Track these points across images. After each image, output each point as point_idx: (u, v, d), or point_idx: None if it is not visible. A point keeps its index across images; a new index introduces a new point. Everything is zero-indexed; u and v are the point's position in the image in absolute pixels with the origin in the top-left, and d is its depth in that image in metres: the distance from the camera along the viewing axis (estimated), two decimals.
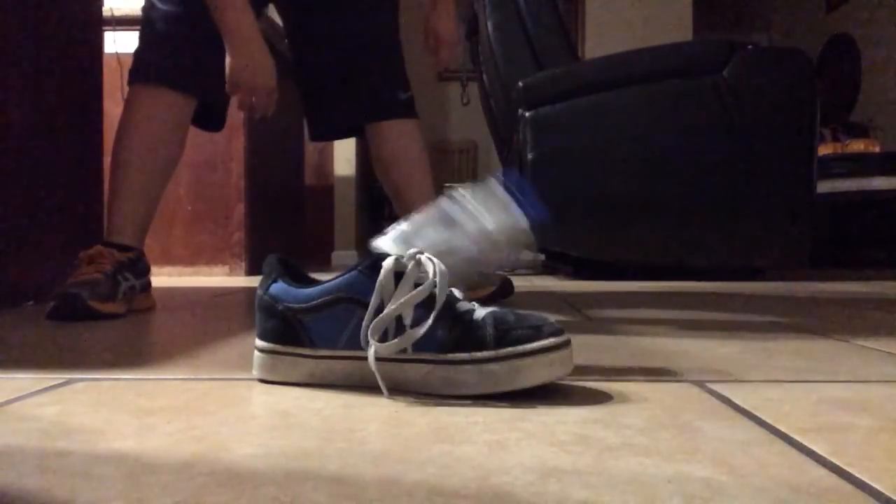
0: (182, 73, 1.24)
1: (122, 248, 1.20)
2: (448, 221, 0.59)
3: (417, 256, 0.55)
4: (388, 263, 0.54)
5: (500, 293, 1.33)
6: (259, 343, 0.60)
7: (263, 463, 0.37)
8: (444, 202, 0.60)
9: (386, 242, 0.61)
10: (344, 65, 1.37)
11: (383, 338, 0.53)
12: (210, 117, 1.36)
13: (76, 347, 0.80)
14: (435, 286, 0.53)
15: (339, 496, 0.32)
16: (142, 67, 1.24)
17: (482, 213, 0.59)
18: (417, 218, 0.61)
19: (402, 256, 0.55)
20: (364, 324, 0.54)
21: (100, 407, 0.51)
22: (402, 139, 1.44)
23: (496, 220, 0.59)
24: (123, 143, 1.24)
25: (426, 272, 0.54)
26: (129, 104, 1.25)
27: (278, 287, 0.59)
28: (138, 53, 1.26)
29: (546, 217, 0.57)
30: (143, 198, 1.24)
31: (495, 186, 0.60)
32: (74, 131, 1.53)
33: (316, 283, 0.59)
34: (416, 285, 0.53)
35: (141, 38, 1.26)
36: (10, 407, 0.51)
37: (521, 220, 0.59)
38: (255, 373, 0.61)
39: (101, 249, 1.18)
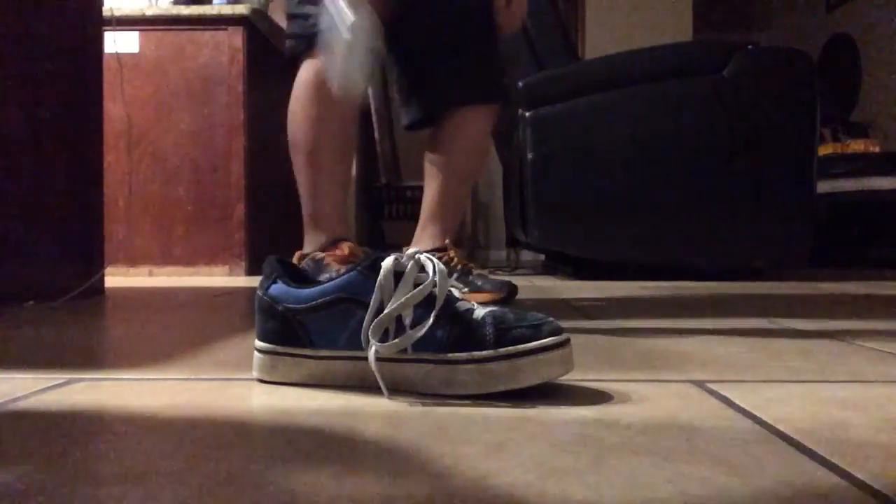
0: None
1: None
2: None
3: (417, 256, 0.55)
4: (387, 263, 0.54)
5: (508, 299, 1.31)
6: (259, 344, 0.60)
7: (263, 463, 0.37)
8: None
9: None
10: (449, 42, 1.27)
11: (384, 338, 0.53)
12: None
13: (76, 347, 0.80)
14: (435, 286, 0.53)
15: (339, 496, 0.32)
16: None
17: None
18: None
19: (402, 256, 0.55)
20: (364, 324, 0.54)
21: (100, 407, 0.51)
22: (480, 128, 1.34)
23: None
24: (316, 133, 1.09)
25: (426, 272, 0.54)
26: (311, 84, 1.08)
27: (278, 288, 0.59)
28: (306, 23, 1.09)
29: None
30: (348, 183, 1.15)
31: None
32: (74, 131, 1.53)
33: (315, 283, 0.59)
34: (416, 285, 0.53)
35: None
36: (11, 407, 0.51)
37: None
38: (255, 374, 0.60)
39: (354, 248, 1.07)
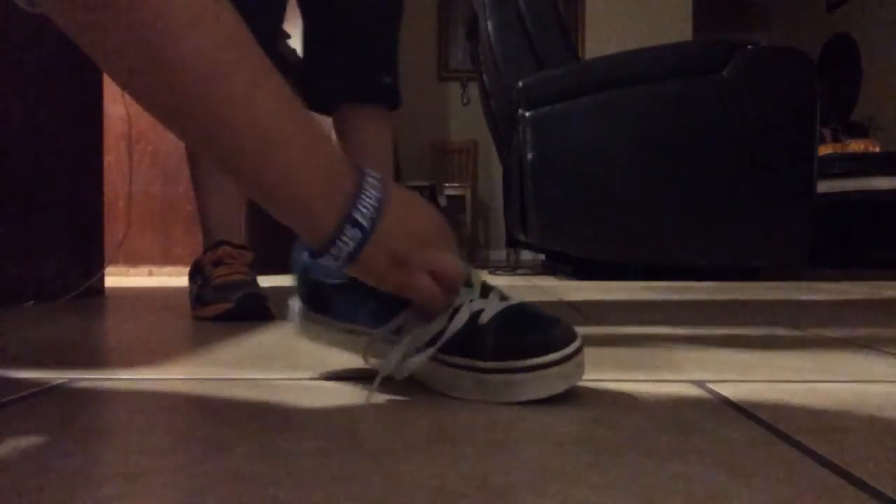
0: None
1: (239, 247, 1.18)
2: None
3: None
4: None
5: None
6: (296, 303, 0.62)
7: (263, 463, 0.37)
8: None
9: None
10: (341, 33, 1.28)
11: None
12: None
13: (76, 347, 0.80)
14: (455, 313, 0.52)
15: (339, 496, 0.32)
16: None
17: None
18: None
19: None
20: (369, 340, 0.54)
21: (100, 407, 0.51)
22: (371, 128, 1.32)
23: None
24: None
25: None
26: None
27: (311, 260, 0.60)
28: None
29: None
30: (242, 192, 1.18)
31: None
32: (74, 131, 1.53)
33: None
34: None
35: None
36: (10, 407, 0.51)
37: None
38: (293, 328, 0.62)
39: (229, 250, 1.14)
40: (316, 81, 1.31)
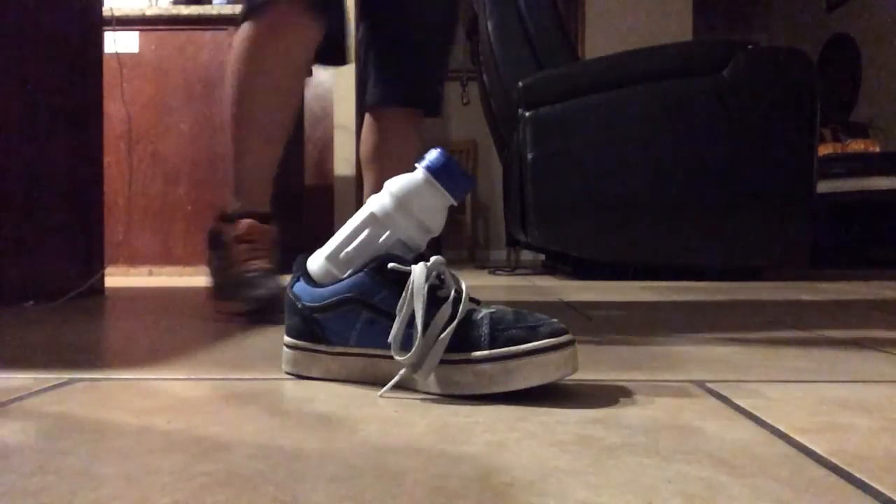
0: None
1: (263, 218, 1.10)
2: (377, 224, 0.59)
3: (438, 269, 0.55)
4: (420, 279, 0.53)
5: None
6: (286, 339, 0.63)
7: (263, 463, 0.37)
8: (371, 207, 0.60)
9: (317, 260, 0.61)
10: (408, 42, 1.28)
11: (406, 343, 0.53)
12: (329, 49, 1.18)
13: (76, 347, 0.80)
14: (459, 303, 0.53)
15: (339, 496, 0.32)
16: None
17: (409, 204, 0.58)
18: (346, 230, 0.60)
19: (429, 266, 0.55)
20: (394, 334, 0.53)
21: (100, 407, 0.51)
22: (410, 134, 1.34)
23: (424, 207, 0.59)
24: (251, 89, 1.07)
25: (448, 287, 0.55)
26: (253, 41, 1.06)
27: (299, 286, 0.62)
28: None
29: (471, 183, 0.59)
30: (274, 158, 1.11)
31: (417, 175, 0.60)
32: (75, 131, 1.53)
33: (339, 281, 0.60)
34: (436, 297, 0.54)
35: None
36: (10, 407, 0.51)
37: (448, 198, 0.60)
38: (283, 367, 0.63)
39: (254, 226, 1.06)
40: (378, 83, 1.31)
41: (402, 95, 1.32)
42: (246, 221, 1.07)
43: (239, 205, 1.09)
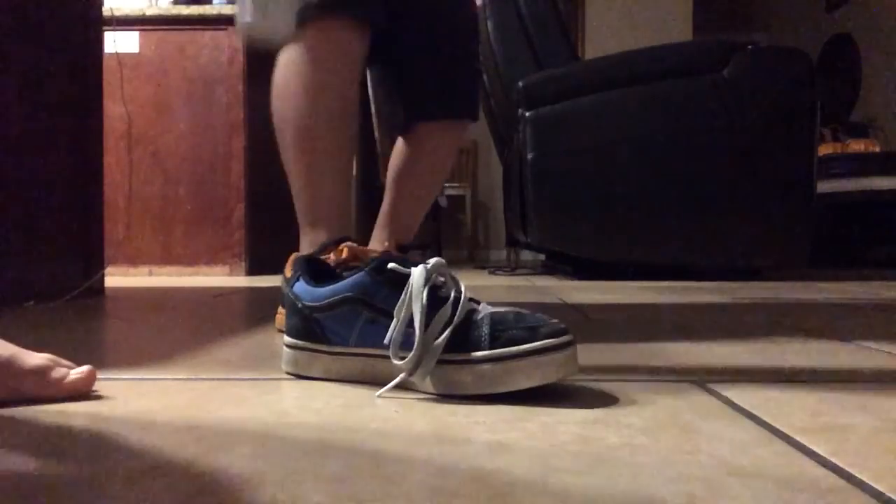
0: None
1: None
2: None
3: (436, 270, 0.56)
4: (419, 280, 0.54)
5: None
6: (286, 339, 0.63)
7: (263, 463, 0.37)
8: None
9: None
10: (437, 52, 1.20)
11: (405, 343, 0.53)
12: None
13: (76, 347, 0.80)
14: (458, 304, 0.54)
15: (339, 496, 0.32)
16: None
17: None
18: None
19: (426, 265, 0.55)
20: (394, 336, 0.53)
21: (100, 407, 0.51)
22: (454, 143, 1.27)
23: None
24: (315, 113, 0.96)
25: (448, 287, 0.55)
26: (306, 63, 0.96)
27: (300, 286, 0.62)
28: None
29: None
30: (349, 177, 1.01)
31: None
32: (74, 131, 1.53)
33: (340, 279, 0.60)
34: (437, 296, 0.54)
35: None
36: (11, 407, 0.51)
37: None
38: (283, 367, 0.64)
39: (355, 248, 0.94)
40: (411, 101, 1.23)
41: (438, 108, 1.23)
42: (347, 245, 0.88)
43: (326, 236, 0.96)
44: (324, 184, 0.97)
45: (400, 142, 1.31)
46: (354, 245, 0.98)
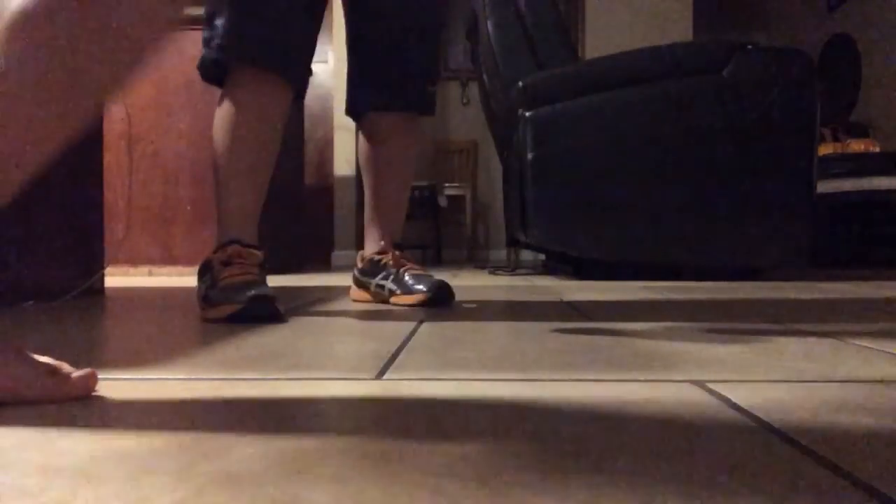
0: (289, 59, 1.17)
1: (250, 246, 1.16)
2: None
3: None
4: None
5: (436, 301, 1.25)
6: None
7: (263, 463, 0.37)
8: None
9: None
10: (391, 41, 1.31)
11: None
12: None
13: (76, 347, 0.80)
14: None
15: (339, 496, 0.32)
16: (247, 45, 1.15)
17: None
18: None
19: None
20: None
21: (99, 407, 0.51)
22: (408, 136, 1.37)
23: None
24: (233, 150, 1.17)
25: None
26: (235, 91, 1.17)
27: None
28: (235, 25, 1.16)
29: None
30: (259, 198, 1.20)
31: None
32: None
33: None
34: None
35: (234, 6, 1.17)
36: (10, 407, 0.51)
37: None
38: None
39: (239, 249, 1.13)
40: (359, 89, 1.36)
41: (386, 99, 1.34)
42: (232, 246, 1.13)
43: (226, 238, 1.16)
44: (231, 198, 1.17)
45: (361, 138, 1.41)
46: (238, 246, 1.14)
